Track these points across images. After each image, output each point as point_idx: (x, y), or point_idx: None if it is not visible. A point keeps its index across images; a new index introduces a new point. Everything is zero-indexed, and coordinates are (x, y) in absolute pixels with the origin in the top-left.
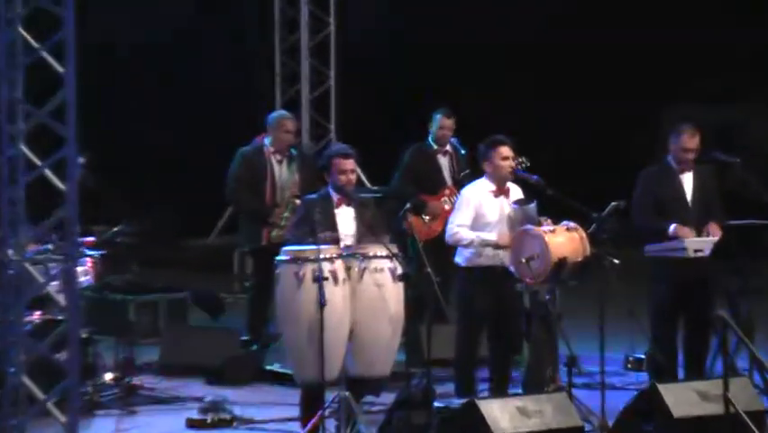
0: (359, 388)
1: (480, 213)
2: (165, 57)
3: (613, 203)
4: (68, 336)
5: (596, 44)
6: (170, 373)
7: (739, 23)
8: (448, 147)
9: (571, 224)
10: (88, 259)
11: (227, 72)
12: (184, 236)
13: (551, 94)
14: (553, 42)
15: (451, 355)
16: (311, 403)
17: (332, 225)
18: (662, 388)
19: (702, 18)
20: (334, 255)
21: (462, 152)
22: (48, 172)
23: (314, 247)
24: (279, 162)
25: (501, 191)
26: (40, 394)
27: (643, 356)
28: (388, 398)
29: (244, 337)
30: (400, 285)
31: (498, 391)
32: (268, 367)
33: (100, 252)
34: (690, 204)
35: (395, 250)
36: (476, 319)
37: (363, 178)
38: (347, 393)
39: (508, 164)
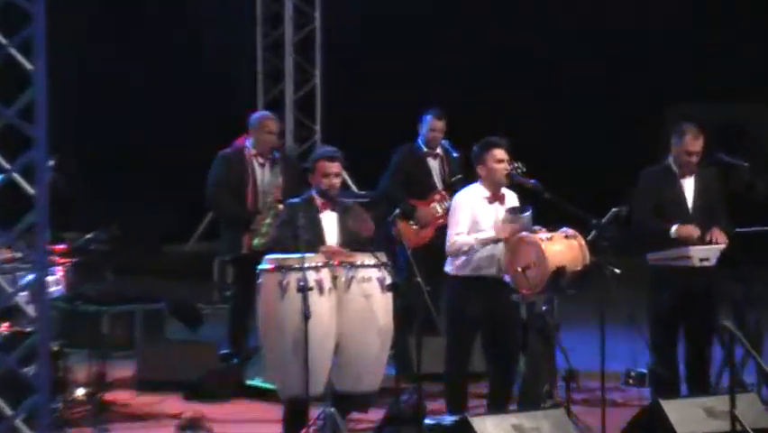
0: (345, 404)
1: (475, 220)
2: None
3: (614, 209)
4: (37, 350)
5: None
6: (146, 388)
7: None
8: (439, 150)
9: (570, 230)
10: (59, 268)
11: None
12: (162, 242)
13: (551, 93)
14: (551, 41)
15: (442, 369)
16: (295, 420)
17: (317, 231)
18: (665, 404)
19: (702, 18)
20: (320, 264)
21: (454, 154)
22: (16, 176)
23: (297, 256)
24: (262, 166)
25: (496, 197)
26: (7, 410)
27: (644, 371)
28: (376, 414)
29: (224, 351)
30: (389, 295)
31: (497, 407)
32: (249, 382)
33: (72, 260)
34: (690, 210)
35: (383, 258)
36: (467, 328)
37: (350, 182)
38: (333, 409)
39: (503, 168)
